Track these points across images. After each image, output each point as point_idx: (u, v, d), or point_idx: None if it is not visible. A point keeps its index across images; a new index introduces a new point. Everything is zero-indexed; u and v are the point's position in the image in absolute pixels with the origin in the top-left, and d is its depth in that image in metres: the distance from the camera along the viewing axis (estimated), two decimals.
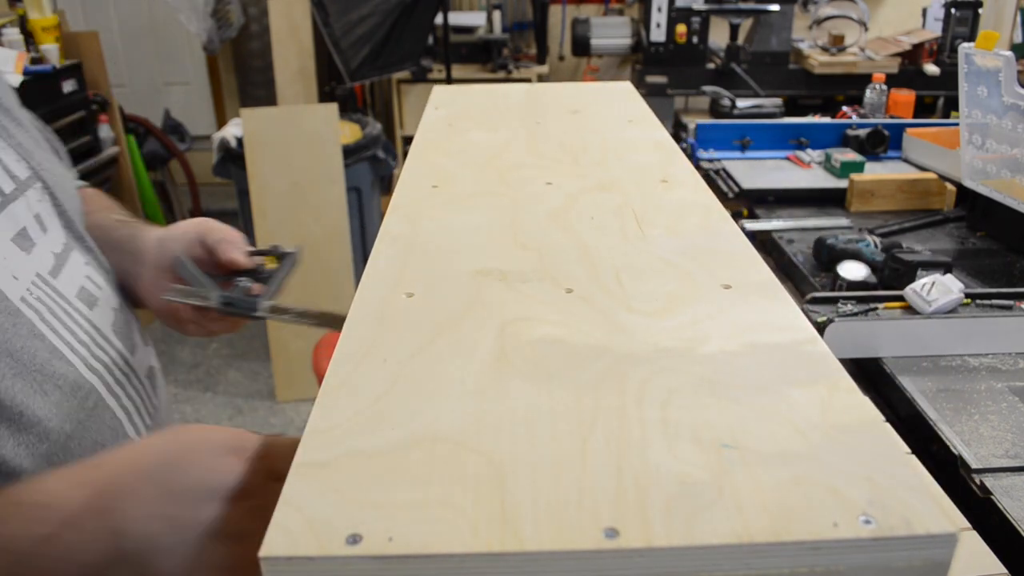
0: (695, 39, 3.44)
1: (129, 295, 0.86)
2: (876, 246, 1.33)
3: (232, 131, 3.03)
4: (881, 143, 1.88)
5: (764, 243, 1.54)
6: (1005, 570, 0.68)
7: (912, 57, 3.38)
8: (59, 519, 0.52)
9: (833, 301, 1.14)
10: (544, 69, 4.29)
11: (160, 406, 0.83)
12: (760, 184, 1.75)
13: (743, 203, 1.73)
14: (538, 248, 0.69)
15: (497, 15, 4.33)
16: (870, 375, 1.09)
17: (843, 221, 1.59)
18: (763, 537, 0.37)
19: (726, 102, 2.71)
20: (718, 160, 1.90)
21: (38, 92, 2.99)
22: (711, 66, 3.50)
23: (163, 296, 0.78)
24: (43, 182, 0.75)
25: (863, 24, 3.47)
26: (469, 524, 0.37)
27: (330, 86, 3.44)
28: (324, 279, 2.92)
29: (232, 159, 2.98)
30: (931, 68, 3.32)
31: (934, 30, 3.48)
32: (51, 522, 0.52)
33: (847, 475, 0.41)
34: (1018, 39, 2.68)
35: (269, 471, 0.52)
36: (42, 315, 0.67)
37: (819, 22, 3.52)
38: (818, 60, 3.39)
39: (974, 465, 0.84)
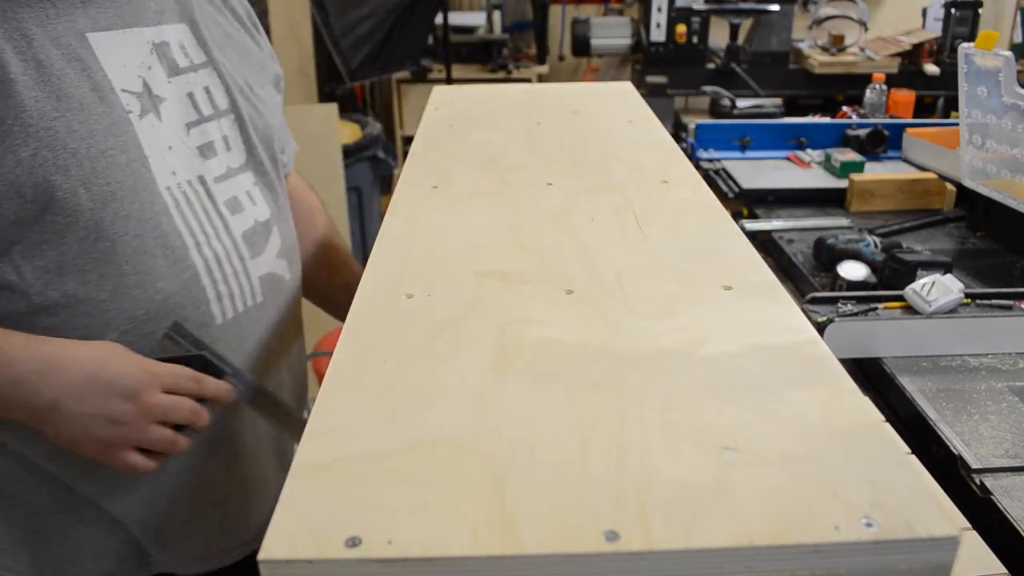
0: (695, 39, 3.44)
1: None
2: (876, 246, 1.32)
3: None
4: (881, 143, 1.88)
5: (764, 243, 1.53)
6: (1005, 570, 0.68)
7: (912, 57, 3.38)
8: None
9: (833, 301, 1.14)
10: (544, 69, 4.29)
11: (263, 304, 0.89)
12: (760, 184, 1.75)
13: (743, 203, 1.73)
14: (538, 249, 0.69)
15: (497, 15, 4.33)
16: (870, 375, 1.09)
17: (843, 221, 1.58)
18: (764, 540, 0.37)
19: (726, 102, 2.71)
20: (718, 160, 1.90)
21: None
22: (711, 66, 3.50)
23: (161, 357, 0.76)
24: (237, 115, 0.88)
25: (863, 24, 3.46)
26: (469, 527, 0.37)
27: (330, 86, 3.43)
28: None
29: None
30: (931, 68, 3.32)
31: (934, 30, 3.48)
32: None
33: (848, 478, 0.41)
34: (1018, 39, 2.68)
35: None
36: (179, 203, 0.82)
37: (819, 22, 3.51)
38: (818, 60, 3.38)
39: (974, 465, 0.84)
